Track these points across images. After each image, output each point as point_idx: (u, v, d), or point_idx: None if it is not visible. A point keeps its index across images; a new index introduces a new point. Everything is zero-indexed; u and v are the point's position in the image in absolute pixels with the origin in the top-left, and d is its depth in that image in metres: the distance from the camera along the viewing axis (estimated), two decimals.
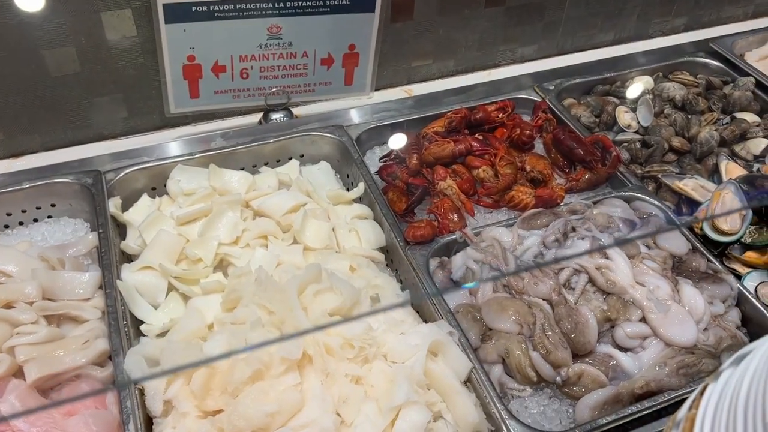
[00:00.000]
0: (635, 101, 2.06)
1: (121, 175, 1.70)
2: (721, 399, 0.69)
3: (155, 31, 1.68)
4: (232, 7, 1.70)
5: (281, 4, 1.73)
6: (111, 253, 1.51)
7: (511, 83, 2.17)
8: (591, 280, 1.45)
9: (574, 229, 1.57)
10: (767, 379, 0.61)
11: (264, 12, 1.73)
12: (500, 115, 1.93)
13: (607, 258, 1.47)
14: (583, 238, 1.53)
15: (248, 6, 1.71)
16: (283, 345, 1.23)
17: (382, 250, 1.65)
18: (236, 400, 1.18)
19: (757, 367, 0.64)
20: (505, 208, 1.74)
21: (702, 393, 0.74)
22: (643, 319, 1.40)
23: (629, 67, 2.26)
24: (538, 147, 1.95)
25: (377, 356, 1.31)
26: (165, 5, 1.64)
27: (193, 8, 1.67)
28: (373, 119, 1.98)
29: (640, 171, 1.86)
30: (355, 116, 2.00)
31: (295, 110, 2.04)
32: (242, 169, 1.79)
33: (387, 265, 1.66)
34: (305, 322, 1.29)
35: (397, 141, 1.90)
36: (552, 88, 2.11)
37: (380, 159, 1.89)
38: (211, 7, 1.68)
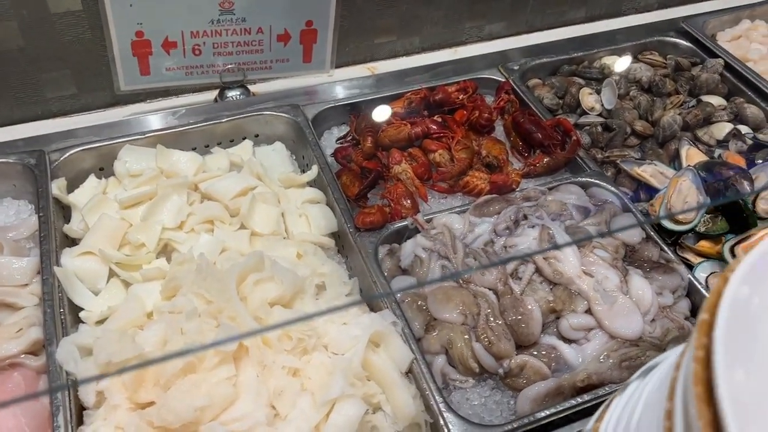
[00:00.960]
0: (600, 82, 2.02)
1: (67, 155, 1.65)
2: (622, 414, 0.67)
3: (100, 5, 1.62)
4: None
5: None
6: (51, 238, 1.47)
7: (478, 62, 2.11)
8: (538, 270, 1.42)
9: (525, 217, 1.54)
10: (658, 397, 0.59)
11: None
12: (461, 96, 1.88)
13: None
14: (533, 227, 1.50)
15: None
16: (217, 337, 1.21)
17: (333, 235, 1.62)
18: (166, 393, 1.16)
19: (653, 384, 0.62)
20: (460, 194, 1.71)
21: (609, 405, 0.72)
22: (589, 311, 1.38)
23: (598, 46, 2.20)
24: (499, 130, 1.91)
25: (317, 347, 1.29)
26: None
27: None
28: (331, 98, 1.93)
29: (600, 156, 1.82)
30: (314, 95, 1.94)
31: (252, 88, 1.98)
32: (194, 149, 1.74)
33: (338, 252, 1.63)
34: (243, 312, 1.26)
35: (354, 122, 1.85)
36: (517, 68, 2.05)
37: (337, 140, 1.85)
38: None
